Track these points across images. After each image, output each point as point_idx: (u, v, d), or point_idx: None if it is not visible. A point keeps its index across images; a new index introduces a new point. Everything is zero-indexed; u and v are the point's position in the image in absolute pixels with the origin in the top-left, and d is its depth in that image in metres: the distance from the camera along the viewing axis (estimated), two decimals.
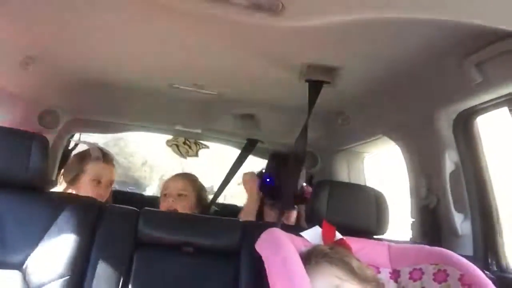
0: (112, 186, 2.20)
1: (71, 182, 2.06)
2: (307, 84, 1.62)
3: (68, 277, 1.32)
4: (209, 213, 2.30)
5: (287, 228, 1.40)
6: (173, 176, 2.27)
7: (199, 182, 2.30)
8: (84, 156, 2.13)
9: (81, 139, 2.78)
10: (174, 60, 1.69)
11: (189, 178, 2.25)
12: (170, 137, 2.91)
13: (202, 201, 2.22)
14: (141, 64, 1.78)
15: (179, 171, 2.56)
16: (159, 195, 2.39)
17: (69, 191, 2.07)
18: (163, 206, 2.11)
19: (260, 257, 1.27)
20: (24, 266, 1.32)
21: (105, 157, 2.15)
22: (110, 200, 2.19)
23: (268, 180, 2.16)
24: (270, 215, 2.12)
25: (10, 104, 2.24)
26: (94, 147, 2.17)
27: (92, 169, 2.07)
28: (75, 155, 2.18)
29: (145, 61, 1.73)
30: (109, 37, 1.53)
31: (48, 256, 1.34)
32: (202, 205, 2.21)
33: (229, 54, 1.55)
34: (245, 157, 2.78)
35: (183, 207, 2.10)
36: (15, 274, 1.31)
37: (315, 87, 1.61)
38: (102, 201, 1.97)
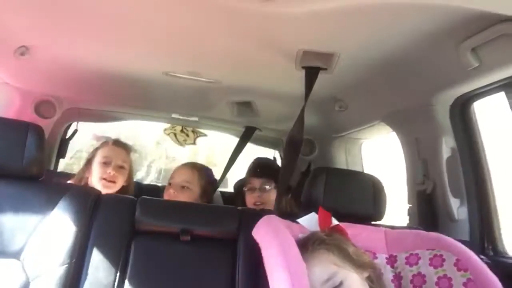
0: (130, 173, 2.18)
1: (84, 170, 2.11)
2: (303, 70, 1.61)
3: (66, 265, 1.32)
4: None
5: (284, 215, 1.40)
6: (181, 165, 2.18)
7: (208, 173, 2.20)
8: (97, 147, 2.17)
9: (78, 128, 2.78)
10: (169, 47, 1.68)
11: (196, 169, 2.13)
12: (167, 125, 2.90)
13: (207, 195, 2.12)
14: (136, 52, 1.76)
15: (164, 157, 2.54)
16: (151, 183, 2.40)
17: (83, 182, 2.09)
18: (166, 195, 2.06)
19: (258, 244, 1.27)
20: (22, 255, 1.33)
21: (115, 140, 2.16)
22: (131, 190, 2.17)
23: None
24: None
25: (5, 94, 2.23)
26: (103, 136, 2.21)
27: (101, 151, 2.10)
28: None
29: (140, 49, 1.72)
30: (104, 25, 1.51)
31: (46, 245, 1.34)
32: (207, 199, 2.12)
33: (225, 41, 1.54)
34: (244, 145, 2.78)
35: (185, 200, 2.02)
36: (13, 263, 1.31)
37: (311, 73, 1.60)
38: (113, 186, 2.02)
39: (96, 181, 2.02)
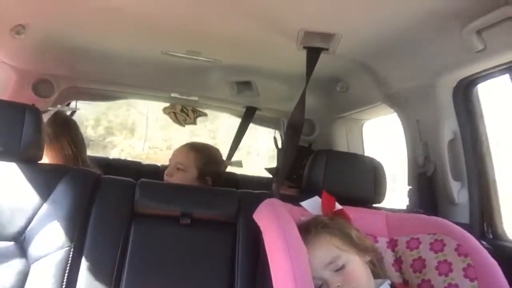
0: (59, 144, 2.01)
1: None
2: (305, 51, 1.58)
3: (66, 248, 1.32)
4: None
5: (285, 198, 1.40)
6: (180, 146, 2.04)
7: (208, 153, 2.03)
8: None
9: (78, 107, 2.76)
10: (168, 26, 1.66)
11: (193, 150, 1.98)
12: (167, 104, 2.88)
13: (207, 177, 1.96)
14: (134, 30, 1.74)
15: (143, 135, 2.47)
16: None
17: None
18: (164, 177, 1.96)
19: (258, 227, 1.27)
20: (22, 238, 1.32)
21: None
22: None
23: None
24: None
25: (3, 73, 2.21)
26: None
27: None
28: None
29: (138, 27, 1.69)
30: (102, 4, 1.48)
31: (46, 227, 1.34)
32: (212, 181, 1.98)
33: (225, 20, 1.52)
34: (247, 125, 2.77)
35: (180, 182, 1.91)
36: (13, 246, 1.31)
37: (313, 53, 1.58)
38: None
39: None
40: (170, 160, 2.00)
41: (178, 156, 1.99)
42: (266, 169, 2.51)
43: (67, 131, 2.04)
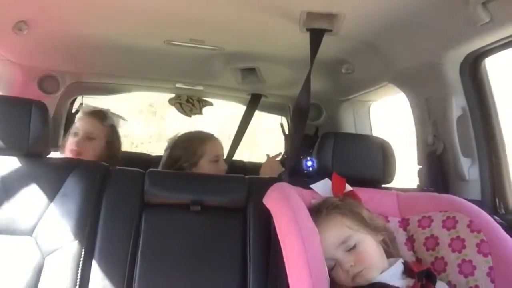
0: (109, 143, 2.08)
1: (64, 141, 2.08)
2: (308, 33, 1.57)
3: (79, 240, 1.34)
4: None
5: (295, 182, 1.40)
6: (216, 141, 2.04)
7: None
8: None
9: (84, 102, 2.77)
10: (170, 15, 1.64)
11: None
12: (172, 95, 2.88)
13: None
14: (136, 21, 1.73)
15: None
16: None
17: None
18: (67, 148, 1.99)
19: (267, 211, 1.28)
20: (35, 232, 1.34)
21: (87, 111, 2.10)
22: (115, 160, 2.04)
23: (309, 165, 1.99)
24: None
25: (8, 71, 2.22)
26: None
27: (75, 123, 2.07)
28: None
29: (141, 18, 1.69)
30: None
31: (58, 220, 1.35)
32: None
33: (226, 5, 1.50)
34: (252, 113, 2.76)
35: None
36: (27, 240, 1.33)
37: (316, 36, 1.56)
38: (80, 156, 1.90)
39: (67, 152, 1.98)
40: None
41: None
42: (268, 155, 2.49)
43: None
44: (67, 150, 2.00)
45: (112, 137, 2.11)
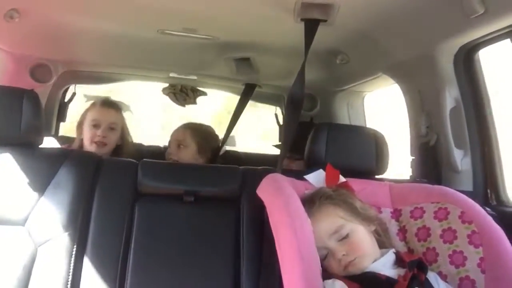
0: (123, 132, 2.10)
1: (78, 133, 2.06)
2: (303, 23, 1.56)
3: (71, 230, 1.33)
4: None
5: (288, 173, 1.40)
6: (178, 127, 2.24)
7: (204, 129, 2.25)
8: (86, 108, 2.09)
9: (76, 91, 2.75)
10: (163, 4, 1.63)
11: (190, 128, 2.19)
12: (166, 85, 2.86)
13: (206, 151, 2.18)
14: (129, 10, 1.71)
15: None
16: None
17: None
18: (87, 140, 2.02)
19: (260, 202, 1.28)
20: (27, 222, 1.33)
21: (103, 101, 2.08)
22: (128, 149, 2.10)
23: None
24: (292, 167, 2.10)
25: None
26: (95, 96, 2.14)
27: (90, 114, 2.03)
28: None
29: (134, 6, 1.67)
30: None
31: (50, 211, 1.34)
32: (210, 154, 2.20)
33: None
34: (245, 103, 2.75)
35: (182, 159, 2.09)
36: (19, 230, 1.32)
37: (311, 26, 1.55)
38: (106, 148, 1.98)
39: (88, 144, 1.99)
40: (170, 141, 2.18)
41: (178, 134, 2.17)
42: (274, 145, 2.51)
43: None
44: (87, 141, 1.99)
45: (126, 127, 2.13)
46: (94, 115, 2.02)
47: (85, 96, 2.20)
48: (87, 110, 2.06)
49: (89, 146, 1.98)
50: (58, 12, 1.78)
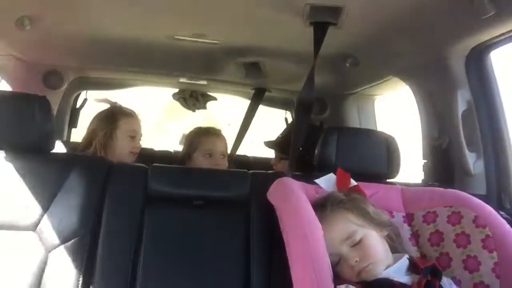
0: None
1: (105, 139, 1.93)
2: (311, 27, 1.55)
3: (82, 235, 1.33)
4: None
5: (298, 177, 1.39)
6: (214, 135, 2.12)
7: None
8: (114, 112, 2.00)
9: (88, 97, 2.77)
10: (173, 10, 1.64)
11: (221, 134, 2.17)
12: (176, 90, 2.87)
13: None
14: (140, 16, 1.73)
15: None
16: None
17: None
18: (205, 165, 2.01)
19: (270, 206, 1.27)
20: (38, 227, 1.34)
21: (132, 112, 2.05)
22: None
23: None
24: (278, 167, 2.11)
25: (12, 67, 2.22)
26: (117, 104, 2.09)
27: (127, 123, 1.97)
28: (102, 112, 2.02)
29: (145, 12, 1.68)
30: None
31: (61, 216, 1.35)
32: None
33: (229, 0, 1.49)
34: (256, 107, 2.75)
35: (225, 167, 2.08)
36: (30, 235, 1.33)
37: (320, 29, 1.55)
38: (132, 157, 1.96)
39: (125, 154, 1.94)
40: (213, 150, 2.06)
41: (223, 144, 2.12)
42: (265, 143, 2.47)
43: None
44: (125, 150, 1.94)
45: None
46: (133, 126, 2.00)
47: (96, 100, 2.20)
48: (117, 120, 1.97)
49: (126, 157, 1.94)
50: (69, 19, 1.80)
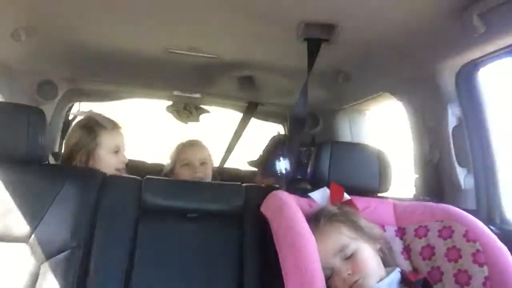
0: None
1: (86, 161, 1.76)
2: (305, 43, 1.58)
3: (74, 247, 1.33)
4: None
5: (293, 190, 1.40)
6: (188, 145, 2.19)
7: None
8: (93, 128, 1.81)
9: (80, 109, 2.76)
10: (169, 23, 1.65)
11: (203, 145, 2.22)
12: (169, 103, 2.88)
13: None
14: (135, 28, 1.73)
15: None
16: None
17: None
18: (186, 176, 2.06)
19: (264, 219, 1.28)
20: (31, 239, 1.33)
21: (114, 124, 1.88)
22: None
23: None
24: (262, 183, 2.12)
25: (5, 77, 2.21)
26: (99, 115, 1.89)
27: (108, 139, 1.80)
28: (78, 128, 1.84)
29: (139, 25, 1.69)
30: (103, 3, 1.48)
31: (54, 228, 1.34)
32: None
33: (224, 14, 1.51)
34: (248, 120, 2.77)
35: (208, 175, 2.11)
36: (23, 247, 1.32)
37: (313, 45, 1.57)
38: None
39: (111, 171, 1.72)
40: (189, 159, 2.12)
41: (201, 153, 2.17)
42: (249, 162, 2.47)
43: None
44: (110, 167, 1.77)
45: None
46: (113, 141, 1.83)
47: (73, 114, 2.14)
48: (96, 136, 1.80)
49: (116, 171, 1.79)
50: (65, 31, 1.80)
